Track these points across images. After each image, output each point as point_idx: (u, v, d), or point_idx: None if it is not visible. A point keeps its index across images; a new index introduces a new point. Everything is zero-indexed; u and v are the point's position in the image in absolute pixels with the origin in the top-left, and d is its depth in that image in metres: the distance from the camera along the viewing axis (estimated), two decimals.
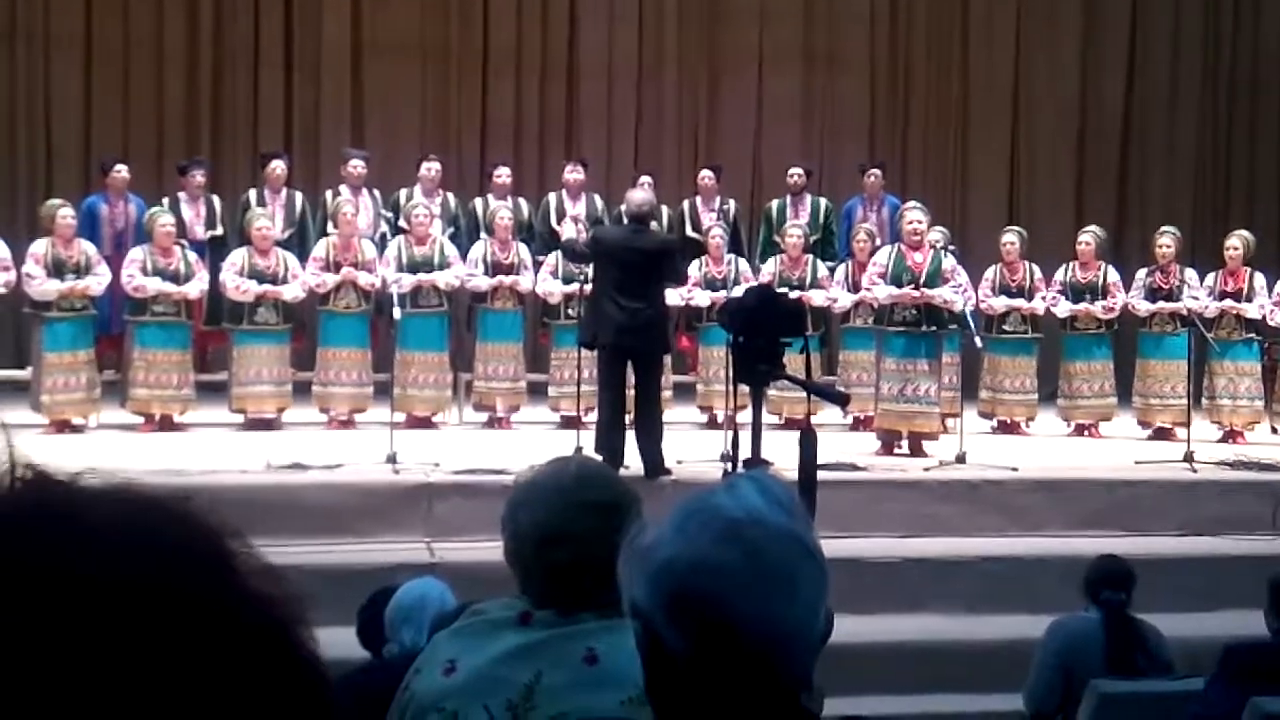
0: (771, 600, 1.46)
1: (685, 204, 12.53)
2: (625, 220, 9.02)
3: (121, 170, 11.70)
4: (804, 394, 7.01)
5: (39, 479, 0.71)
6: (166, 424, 10.50)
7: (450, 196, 12.16)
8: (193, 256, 10.77)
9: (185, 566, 0.69)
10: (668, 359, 10.79)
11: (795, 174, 12.58)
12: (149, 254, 10.52)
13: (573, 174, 12.22)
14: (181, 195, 11.76)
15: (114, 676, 0.65)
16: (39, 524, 0.68)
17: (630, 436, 8.53)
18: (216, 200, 11.99)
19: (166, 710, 0.65)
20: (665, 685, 1.51)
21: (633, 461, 8.39)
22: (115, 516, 0.70)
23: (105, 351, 10.93)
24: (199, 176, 11.86)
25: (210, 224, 11.75)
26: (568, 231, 11.09)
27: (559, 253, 10.76)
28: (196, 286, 10.63)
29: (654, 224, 9.14)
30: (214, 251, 11.36)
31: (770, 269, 11.32)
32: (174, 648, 0.66)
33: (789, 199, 12.52)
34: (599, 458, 7.17)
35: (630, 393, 8.64)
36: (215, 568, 0.70)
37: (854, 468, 9.08)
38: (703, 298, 11.18)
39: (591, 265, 8.93)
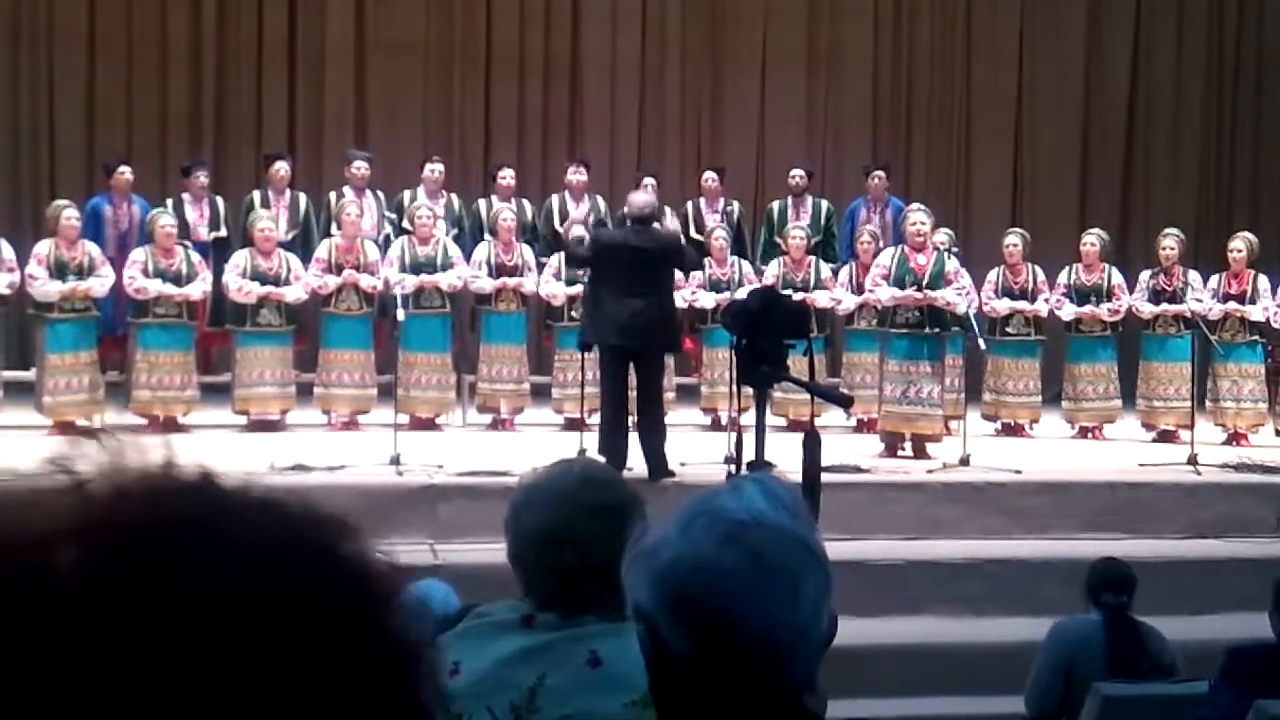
0: (774, 602, 1.46)
1: (689, 205, 12.53)
2: (628, 222, 9.01)
3: (125, 171, 11.71)
4: (809, 396, 7.00)
5: (201, 484, 0.71)
6: (170, 425, 10.49)
7: (454, 198, 12.16)
8: (195, 257, 10.77)
9: (328, 593, 0.69)
10: (672, 361, 10.79)
11: (796, 175, 12.59)
12: (150, 255, 10.53)
13: (575, 175, 12.22)
14: (185, 196, 11.77)
15: (243, 696, 0.65)
16: (190, 535, 0.67)
17: (634, 438, 8.52)
18: (220, 201, 12.00)
19: None
20: (669, 687, 1.51)
21: (636, 463, 8.38)
22: (268, 535, 0.69)
23: (109, 353, 10.94)
24: (202, 177, 11.87)
25: (214, 225, 11.76)
26: (575, 230, 10.97)
27: (562, 254, 10.74)
28: (199, 288, 10.62)
29: (656, 225, 9.12)
30: (218, 253, 11.37)
31: (774, 271, 11.32)
32: (304, 674, 0.66)
33: (790, 200, 12.53)
34: (602, 460, 7.16)
35: (632, 394, 8.63)
36: (358, 605, 0.70)
37: (858, 470, 9.07)
38: (706, 299, 11.18)
39: (590, 267, 8.92)
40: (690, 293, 11.17)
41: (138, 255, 10.58)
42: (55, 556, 0.65)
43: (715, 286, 11.22)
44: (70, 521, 0.66)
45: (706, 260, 11.38)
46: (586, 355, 9.14)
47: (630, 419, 8.59)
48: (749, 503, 1.52)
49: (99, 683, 0.62)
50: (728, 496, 1.54)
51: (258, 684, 0.65)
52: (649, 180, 12.11)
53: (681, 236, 10.49)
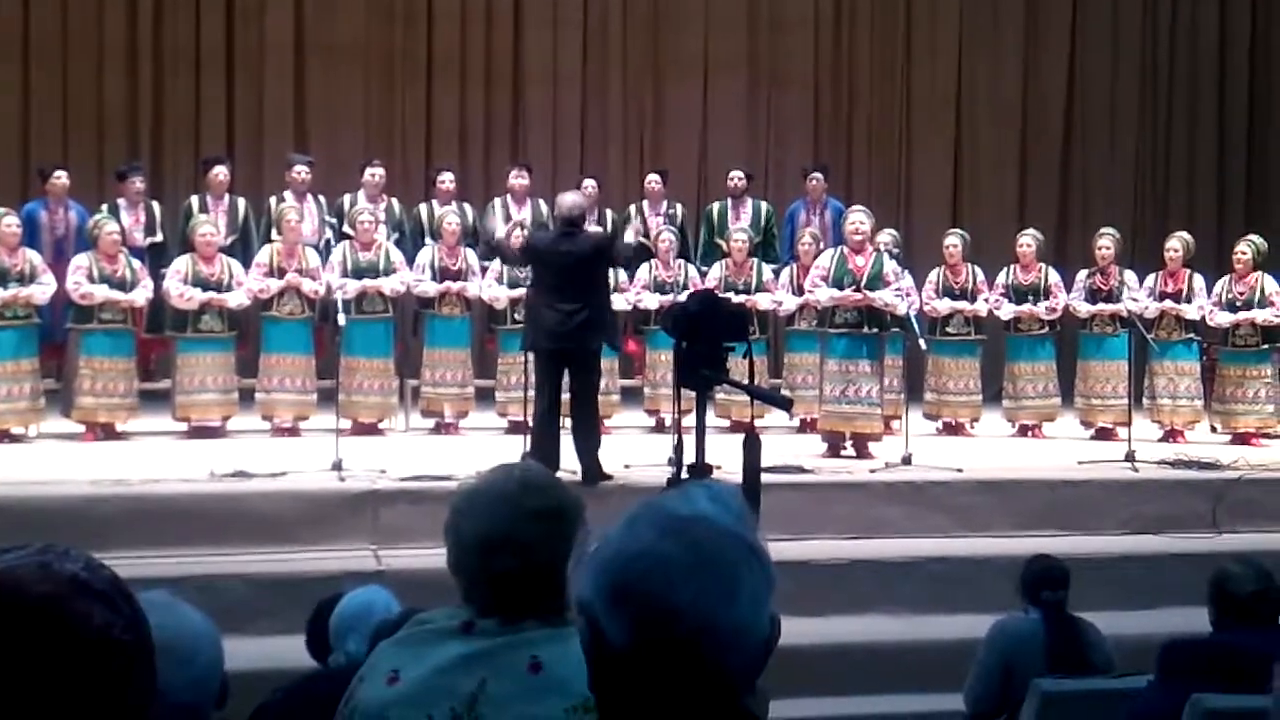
0: (711, 591, 1.47)
1: (631, 208, 12.54)
2: (556, 224, 9.01)
3: (61, 176, 11.57)
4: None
5: None
6: (109, 433, 10.40)
7: (394, 202, 12.11)
8: (137, 264, 10.67)
9: None
10: (615, 363, 10.78)
11: (736, 177, 12.64)
12: (94, 261, 10.42)
13: (517, 179, 12.19)
14: (120, 201, 11.66)
15: None
16: None
17: (569, 442, 8.50)
18: (156, 206, 11.91)
19: None
20: (608, 681, 1.51)
21: (573, 467, 8.36)
22: None
23: (46, 360, 10.82)
24: (138, 182, 11.77)
25: (150, 230, 11.67)
26: (499, 231, 10.85)
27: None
28: (142, 294, 10.53)
29: (593, 226, 9.12)
30: (154, 258, 11.27)
31: (716, 274, 11.36)
32: None
33: (730, 202, 12.57)
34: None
35: (566, 397, 8.62)
36: None
37: (800, 470, 9.10)
38: (651, 301, 11.21)
39: (530, 270, 8.93)
40: (635, 294, 11.19)
41: (80, 261, 10.46)
42: None
43: (661, 288, 11.25)
44: None
45: (653, 262, 11.41)
46: (531, 358, 9.13)
47: (566, 421, 8.58)
48: (694, 503, 1.54)
49: None
50: (674, 498, 1.57)
51: None
52: (589, 182, 12.12)
53: (609, 237, 10.42)
